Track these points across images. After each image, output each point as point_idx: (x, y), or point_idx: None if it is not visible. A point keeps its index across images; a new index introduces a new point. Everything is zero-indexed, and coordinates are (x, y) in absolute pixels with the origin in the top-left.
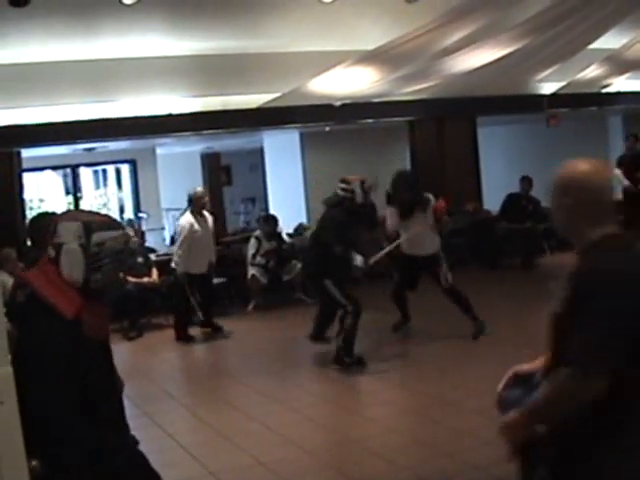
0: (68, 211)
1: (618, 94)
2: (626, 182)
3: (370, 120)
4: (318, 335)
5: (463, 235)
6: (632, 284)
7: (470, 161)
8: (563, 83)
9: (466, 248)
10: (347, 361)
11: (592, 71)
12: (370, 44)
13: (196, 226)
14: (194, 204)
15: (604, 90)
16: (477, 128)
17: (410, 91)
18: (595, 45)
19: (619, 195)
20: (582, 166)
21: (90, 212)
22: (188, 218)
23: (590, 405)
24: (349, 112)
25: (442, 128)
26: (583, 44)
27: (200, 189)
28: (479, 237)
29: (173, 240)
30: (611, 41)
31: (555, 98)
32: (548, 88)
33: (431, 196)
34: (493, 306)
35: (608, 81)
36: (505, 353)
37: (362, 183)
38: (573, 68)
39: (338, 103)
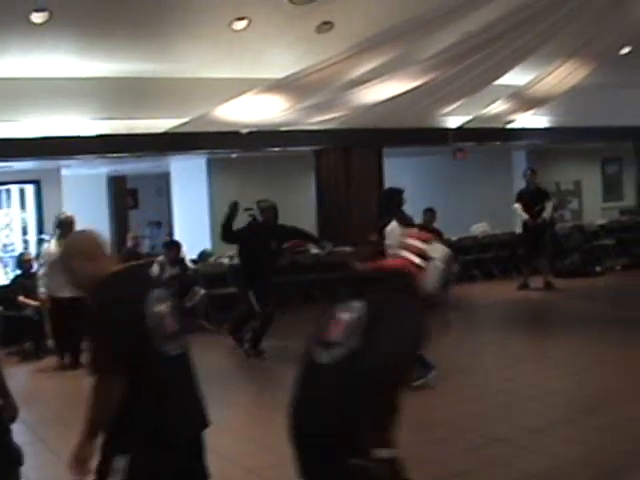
0: None
1: (522, 130)
2: (525, 216)
3: (277, 148)
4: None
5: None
6: (117, 311)
7: (375, 191)
8: (469, 117)
9: None
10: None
11: (497, 107)
12: (279, 73)
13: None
14: (65, 229)
15: (508, 125)
16: (384, 159)
17: (318, 121)
18: (500, 81)
19: (518, 229)
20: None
21: None
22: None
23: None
24: (256, 140)
25: (348, 158)
26: (488, 80)
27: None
28: None
29: None
30: (516, 78)
31: (460, 132)
32: (454, 122)
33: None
34: None
35: (512, 117)
36: None
37: (258, 203)
38: (479, 103)
39: (245, 130)
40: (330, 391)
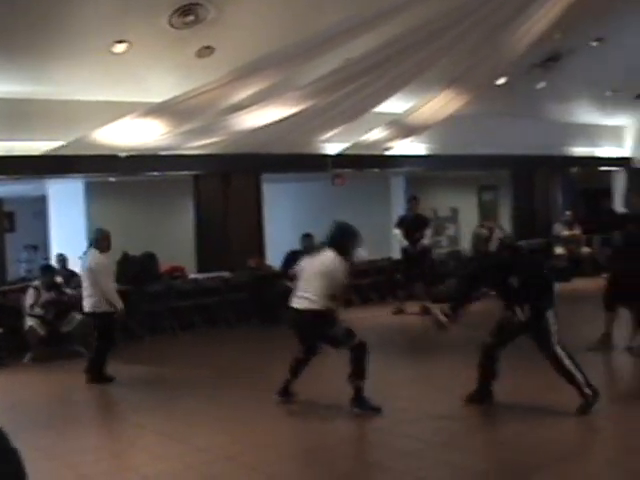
0: None
1: (401, 157)
2: (405, 243)
3: (156, 173)
4: None
5: (245, 290)
6: None
7: (254, 217)
8: (348, 144)
9: (248, 303)
10: None
11: (376, 134)
12: (159, 96)
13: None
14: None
15: (387, 152)
16: (262, 184)
17: (197, 145)
18: (380, 109)
19: (396, 254)
20: None
21: None
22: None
23: None
24: (135, 164)
25: (227, 183)
26: (368, 107)
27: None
28: (261, 292)
29: None
30: (395, 106)
31: (340, 158)
32: (333, 148)
33: None
34: (273, 359)
35: (391, 144)
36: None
37: None
38: (358, 130)
39: (123, 154)
40: None
